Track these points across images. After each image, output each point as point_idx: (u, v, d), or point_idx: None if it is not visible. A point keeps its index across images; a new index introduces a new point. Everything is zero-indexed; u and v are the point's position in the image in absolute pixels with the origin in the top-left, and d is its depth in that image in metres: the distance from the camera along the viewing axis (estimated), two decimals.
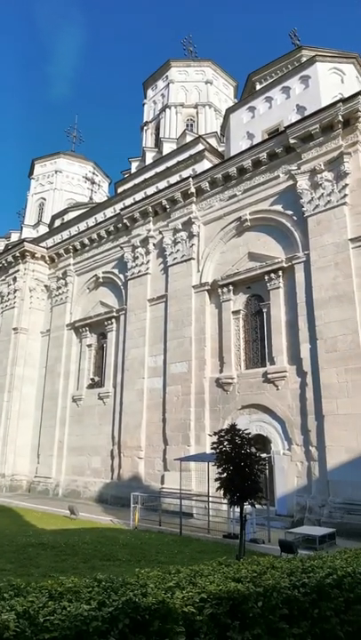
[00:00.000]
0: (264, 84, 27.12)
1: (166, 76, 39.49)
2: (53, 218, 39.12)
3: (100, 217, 29.87)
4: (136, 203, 25.67)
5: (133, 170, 36.31)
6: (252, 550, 11.64)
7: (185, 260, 22.57)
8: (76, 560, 10.75)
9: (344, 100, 17.98)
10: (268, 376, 18.29)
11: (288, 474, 16.97)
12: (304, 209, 18.47)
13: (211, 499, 16.30)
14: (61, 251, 30.76)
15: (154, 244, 24.68)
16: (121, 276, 26.36)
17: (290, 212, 19.26)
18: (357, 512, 14.36)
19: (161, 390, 21.89)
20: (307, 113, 20.31)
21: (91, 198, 42.24)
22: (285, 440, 17.45)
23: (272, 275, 19.19)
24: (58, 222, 36.84)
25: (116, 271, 26.92)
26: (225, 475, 10.66)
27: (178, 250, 23.01)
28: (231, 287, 20.62)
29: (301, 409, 17.05)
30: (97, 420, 25.21)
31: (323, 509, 15.29)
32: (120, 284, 26.39)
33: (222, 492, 10.81)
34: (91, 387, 26.62)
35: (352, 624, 4.25)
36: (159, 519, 16.48)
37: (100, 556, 11.27)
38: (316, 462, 16.13)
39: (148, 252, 24.73)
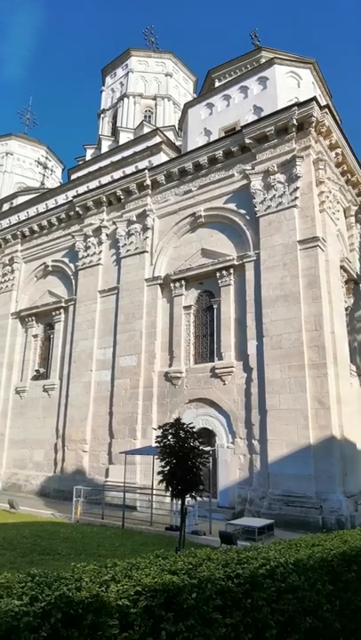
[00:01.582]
0: (223, 81, 27.32)
1: (126, 65, 38.88)
2: (2, 202, 37.45)
3: (51, 203, 29.02)
4: (90, 191, 25.16)
5: (88, 157, 35.54)
6: (192, 542, 11.84)
7: (138, 253, 22.42)
8: (14, 554, 10.48)
9: (299, 105, 18.47)
10: (216, 371, 18.59)
11: (231, 466, 17.37)
12: (256, 209, 18.84)
13: (155, 491, 16.38)
14: (9, 236, 29.65)
15: (107, 235, 24.32)
16: (71, 265, 25.80)
17: (243, 212, 19.59)
18: (295, 504, 14.94)
19: (109, 383, 21.69)
20: (263, 114, 20.69)
21: (42, 183, 40.96)
22: (230, 433, 17.83)
23: (223, 272, 19.47)
24: (6, 206, 35.33)
25: (66, 260, 26.30)
26: (168, 468, 10.74)
27: (131, 242, 22.81)
28: (183, 282, 20.72)
29: (246, 403, 17.48)
30: (41, 413, 24.61)
31: (263, 501, 15.79)
32: (70, 273, 25.82)
33: (165, 484, 10.89)
34: (35, 378, 25.92)
35: (283, 613, 4.40)
36: (102, 512, 16.38)
37: (39, 550, 11.05)
38: (258, 455, 16.62)
39: (100, 243, 24.33)
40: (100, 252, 24.21)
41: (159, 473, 10.99)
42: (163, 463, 10.89)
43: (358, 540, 6.05)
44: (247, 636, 4.01)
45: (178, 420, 11.44)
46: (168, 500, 15.22)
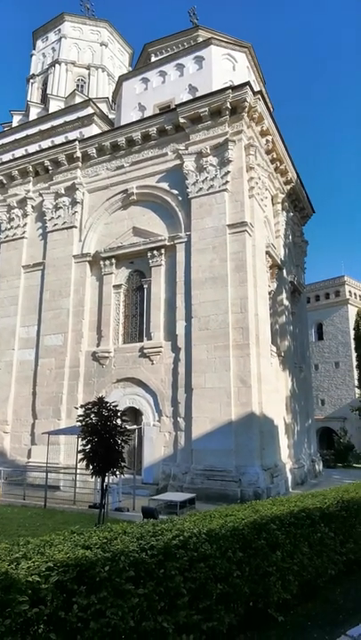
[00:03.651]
0: (160, 57, 26.67)
1: (59, 30, 36.67)
2: None
3: None
4: (15, 159, 23.76)
5: (15, 124, 33.36)
6: (115, 518, 11.94)
7: (66, 228, 21.64)
8: None
9: (234, 88, 18.58)
10: (145, 351, 18.64)
11: (156, 444, 17.66)
12: (189, 190, 18.88)
13: (79, 471, 16.26)
14: None
15: (32, 207, 23.19)
16: None
17: (175, 192, 19.53)
18: (216, 477, 15.55)
19: (33, 363, 21.00)
20: (198, 94, 20.60)
21: None
22: (156, 412, 18.06)
23: (155, 252, 19.39)
24: None
25: None
26: (89, 446, 10.70)
27: (59, 216, 21.94)
28: (114, 260, 20.37)
29: (173, 383, 17.76)
30: None
31: (186, 476, 16.26)
32: None
33: (85, 463, 10.86)
34: None
35: (195, 581, 4.60)
36: (24, 493, 16.00)
37: None
38: (183, 432, 17.03)
39: (25, 215, 23.17)
40: (25, 224, 23.07)
41: (80, 451, 10.93)
42: (84, 442, 10.82)
43: (269, 509, 6.44)
44: (160, 605, 4.15)
45: (101, 398, 11.38)
46: (92, 478, 15.20)
